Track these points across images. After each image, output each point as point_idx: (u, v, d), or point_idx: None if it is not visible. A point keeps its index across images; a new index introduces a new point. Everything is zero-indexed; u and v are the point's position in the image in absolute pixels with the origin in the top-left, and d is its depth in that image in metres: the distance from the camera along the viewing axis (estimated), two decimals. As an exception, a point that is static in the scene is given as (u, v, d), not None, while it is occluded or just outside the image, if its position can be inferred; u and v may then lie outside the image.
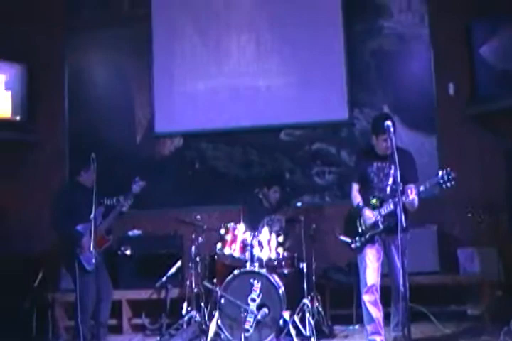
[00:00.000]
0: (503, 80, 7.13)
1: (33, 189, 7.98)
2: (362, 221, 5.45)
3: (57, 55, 8.34)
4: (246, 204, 7.16)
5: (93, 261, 5.71)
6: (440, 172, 4.92)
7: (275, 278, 6.14)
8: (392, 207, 5.19)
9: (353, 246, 5.50)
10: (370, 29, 7.95)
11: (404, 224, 4.68)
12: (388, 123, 4.92)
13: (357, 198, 5.57)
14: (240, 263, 6.31)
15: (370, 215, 5.36)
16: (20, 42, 8.16)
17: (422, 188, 5.01)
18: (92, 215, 5.53)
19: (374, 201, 5.37)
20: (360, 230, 5.45)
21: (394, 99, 7.77)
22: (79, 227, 6.04)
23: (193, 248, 6.66)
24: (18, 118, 7.98)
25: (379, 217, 5.30)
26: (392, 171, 5.37)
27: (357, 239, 5.46)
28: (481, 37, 7.35)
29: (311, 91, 7.86)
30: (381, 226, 5.30)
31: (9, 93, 7.94)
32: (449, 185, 4.87)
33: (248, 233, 6.42)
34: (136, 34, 8.35)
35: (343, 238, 5.60)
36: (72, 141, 8.25)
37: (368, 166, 5.53)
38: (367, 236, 5.39)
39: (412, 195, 5.01)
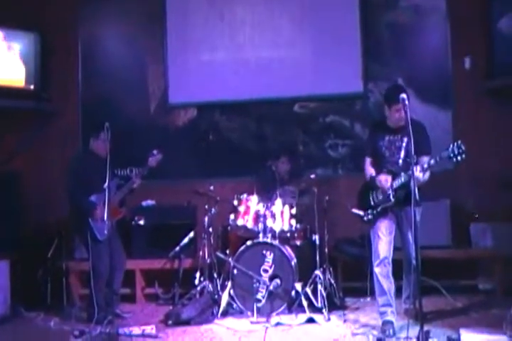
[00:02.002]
0: (520, 54, 7.06)
1: (48, 158, 8.03)
2: (374, 193, 5.44)
3: (70, 24, 8.29)
4: (259, 176, 7.20)
5: (105, 231, 5.70)
6: (451, 146, 4.81)
7: (288, 250, 6.21)
8: (402, 180, 5.17)
9: (365, 218, 5.50)
10: (385, 1, 7.85)
11: (417, 197, 4.69)
12: (403, 95, 4.89)
13: (370, 170, 5.56)
14: (253, 234, 6.38)
15: (384, 179, 5.31)
16: (34, 12, 8.11)
17: (432, 162, 4.93)
18: (105, 185, 5.55)
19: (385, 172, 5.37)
20: (372, 203, 5.44)
21: (409, 72, 7.70)
22: (92, 197, 6.05)
23: (206, 218, 6.70)
24: (31, 87, 7.95)
25: (390, 190, 5.28)
26: (404, 144, 5.35)
27: (369, 211, 5.45)
28: (499, 10, 7.24)
29: (326, 63, 7.81)
30: (392, 200, 5.27)
31: (23, 62, 7.89)
32: (459, 158, 4.76)
33: (261, 204, 6.47)
34: (150, 3, 8.28)
35: (355, 211, 5.59)
36: (86, 109, 8.26)
37: (379, 140, 5.50)
38: (379, 209, 5.38)
39: (416, 172, 4.93)
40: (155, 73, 8.23)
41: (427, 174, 5.08)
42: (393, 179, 5.29)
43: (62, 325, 5.94)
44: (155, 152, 6.27)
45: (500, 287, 6.47)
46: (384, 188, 5.32)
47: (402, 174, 5.19)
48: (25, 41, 7.91)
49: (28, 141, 8.05)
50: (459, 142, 4.80)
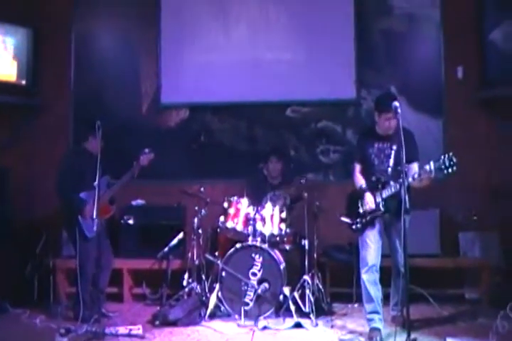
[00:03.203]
0: (512, 65, 7.12)
1: (37, 154, 7.98)
2: (363, 202, 5.45)
3: (64, 20, 8.26)
4: (250, 179, 7.20)
5: (94, 228, 5.68)
6: (442, 157, 4.83)
7: (277, 254, 6.22)
8: (393, 189, 5.20)
9: (353, 227, 5.52)
10: (380, 8, 7.89)
11: (407, 205, 4.73)
12: (396, 104, 4.92)
13: (359, 180, 5.58)
14: (242, 237, 6.38)
15: (370, 200, 5.36)
16: (28, 6, 8.07)
17: (422, 172, 4.95)
18: (95, 183, 5.54)
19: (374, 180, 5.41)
20: (361, 211, 5.45)
21: (401, 80, 7.73)
22: (82, 195, 6.04)
23: (196, 220, 6.69)
24: (23, 82, 7.90)
25: (380, 199, 5.31)
26: (393, 152, 5.38)
27: (358, 220, 5.47)
28: (492, 21, 7.29)
29: (320, 68, 7.82)
30: (382, 209, 5.30)
31: (15, 57, 7.84)
32: (450, 170, 4.78)
33: (251, 207, 6.47)
34: (145, 2, 8.26)
35: (344, 219, 5.61)
36: (77, 106, 8.21)
37: (368, 147, 5.52)
38: (368, 218, 5.40)
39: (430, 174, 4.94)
40: (148, 72, 8.20)
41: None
42: (383, 188, 5.31)
43: (48, 323, 5.89)
44: (146, 150, 6.25)
45: (486, 297, 6.52)
46: (366, 210, 5.38)
47: (392, 184, 5.21)
48: (18, 36, 7.87)
49: (17, 136, 8.02)
50: (451, 154, 4.81)
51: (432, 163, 4.89)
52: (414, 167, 5.25)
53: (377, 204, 5.33)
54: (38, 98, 8.13)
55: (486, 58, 7.33)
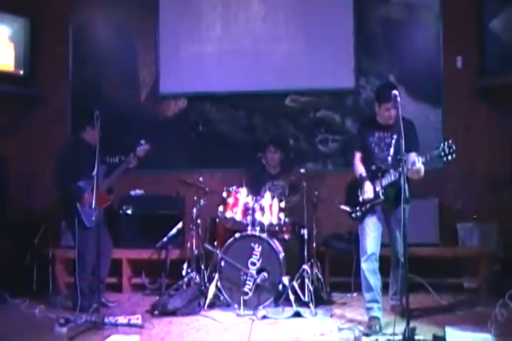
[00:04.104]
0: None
1: (35, 143, 7.97)
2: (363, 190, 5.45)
3: (62, 10, 8.22)
4: (249, 169, 7.19)
5: (93, 218, 5.74)
6: (441, 145, 4.83)
7: (276, 243, 6.21)
8: (392, 178, 5.19)
9: (353, 215, 5.51)
10: (378, -4, 7.85)
11: (406, 195, 4.72)
12: (395, 92, 4.91)
13: (360, 168, 5.57)
14: (241, 226, 6.38)
15: (369, 189, 5.35)
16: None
17: (422, 160, 4.93)
18: (94, 172, 5.54)
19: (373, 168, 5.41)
20: (361, 200, 5.43)
21: (400, 69, 7.71)
22: (81, 183, 6.05)
23: (195, 210, 6.68)
24: (21, 72, 7.88)
25: (379, 188, 5.31)
26: (393, 141, 5.38)
27: (357, 208, 5.47)
28: (492, 10, 7.26)
29: (319, 58, 7.78)
30: (381, 197, 5.29)
31: (13, 46, 7.81)
32: (449, 158, 4.78)
33: (250, 197, 6.46)
34: (143, -9, 8.22)
35: (343, 207, 5.61)
36: (75, 96, 8.19)
37: (369, 136, 5.52)
38: (367, 206, 5.39)
39: (418, 164, 4.95)
40: (146, 62, 8.17)
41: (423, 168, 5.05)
42: (382, 176, 5.31)
43: (47, 313, 5.85)
44: (142, 142, 6.28)
45: (484, 286, 6.53)
46: (364, 198, 5.37)
47: (392, 172, 5.21)
48: (16, 25, 7.82)
49: (15, 125, 8.00)
50: (450, 141, 4.82)
51: (420, 158, 4.91)
52: (412, 157, 5.23)
53: (377, 193, 5.32)
54: (36, 88, 8.09)
55: (485, 47, 7.30)
